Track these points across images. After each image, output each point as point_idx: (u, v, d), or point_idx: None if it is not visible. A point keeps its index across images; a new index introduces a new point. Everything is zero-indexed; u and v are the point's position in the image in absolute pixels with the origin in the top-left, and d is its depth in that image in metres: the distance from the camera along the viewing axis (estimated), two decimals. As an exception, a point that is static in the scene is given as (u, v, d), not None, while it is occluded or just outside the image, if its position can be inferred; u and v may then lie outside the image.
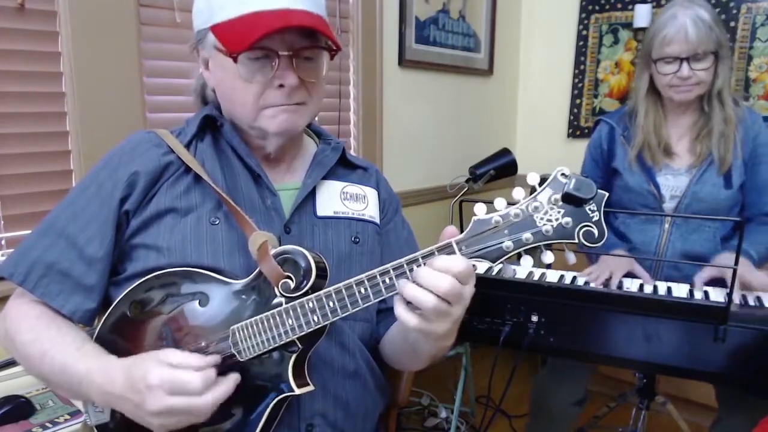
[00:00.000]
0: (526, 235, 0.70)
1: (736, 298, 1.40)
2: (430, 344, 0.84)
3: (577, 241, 0.68)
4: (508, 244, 0.70)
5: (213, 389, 0.77)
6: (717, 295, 1.43)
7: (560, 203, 0.68)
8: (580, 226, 0.68)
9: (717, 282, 1.49)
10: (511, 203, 0.71)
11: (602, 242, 0.68)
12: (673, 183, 1.67)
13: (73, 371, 0.82)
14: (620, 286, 1.52)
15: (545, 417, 1.81)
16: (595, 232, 0.68)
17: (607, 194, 0.69)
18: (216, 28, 0.88)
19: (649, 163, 1.67)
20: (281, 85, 0.88)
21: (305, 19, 0.86)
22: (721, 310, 1.27)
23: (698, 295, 1.43)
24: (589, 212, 0.68)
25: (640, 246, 1.70)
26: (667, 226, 1.68)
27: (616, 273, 1.56)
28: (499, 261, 0.71)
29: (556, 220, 0.69)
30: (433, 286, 0.70)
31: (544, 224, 0.69)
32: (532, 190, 0.70)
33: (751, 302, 1.41)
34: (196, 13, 0.93)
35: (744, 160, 1.63)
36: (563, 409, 1.76)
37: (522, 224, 0.70)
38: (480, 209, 0.72)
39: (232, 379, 0.80)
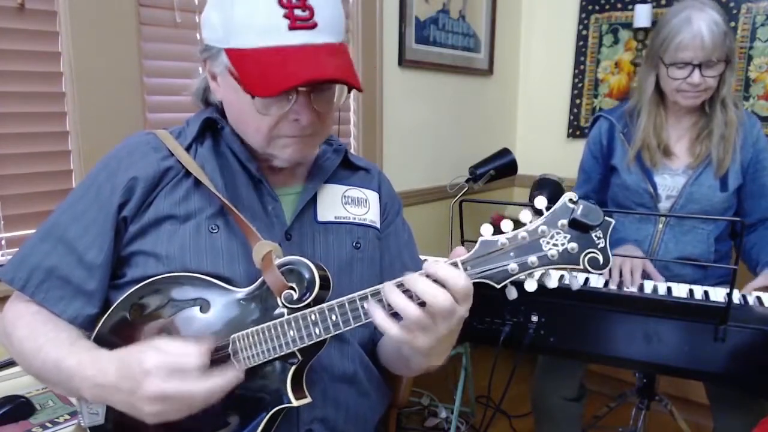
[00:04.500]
0: (532, 259, 0.70)
1: (736, 298, 1.40)
2: (419, 359, 0.83)
3: (582, 267, 0.69)
4: (513, 266, 0.70)
5: (210, 377, 0.75)
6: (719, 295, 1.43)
7: (567, 228, 0.69)
8: (585, 253, 0.68)
9: None
10: (517, 223, 0.71)
11: (607, 268, 0.68)
12: (670, 183, 1.66)
13: (65, 366, 0.81)
14: (641, 287, 1.50)
15: (546, 417, 1.81)
16: (600, 258, 0.68)
17: (613, 222, 0.69)
18: (232, 53, 0.83)
19: (647, 164, 1.66)
20: (296, 119, 0.86)
21: (333, 71, 0.81)
22: (721, 310, 1.27)
23: (698, 295, 1.43)
24: (595, 239, 0.68)
25: (633, 245, 1.69)
26: (661, 226, 1.67)
27: (635, 270, 1.53)
28: (503, 283, 0.71)
29: (562, 245, 0.69)
30: (429, 296, 0.69)
31: (550, 249, 0.69)
32: (539, 213, 0.70)
33: (751, 302, 1.41)
34: (207, 26, 0.87)
35: (743, 164, 1.62)
36: (560, 406, 1.76)
37: (528, 247, 0.70)
38: (486, 230, 0.72)
39: (232, 374, 0.77)
